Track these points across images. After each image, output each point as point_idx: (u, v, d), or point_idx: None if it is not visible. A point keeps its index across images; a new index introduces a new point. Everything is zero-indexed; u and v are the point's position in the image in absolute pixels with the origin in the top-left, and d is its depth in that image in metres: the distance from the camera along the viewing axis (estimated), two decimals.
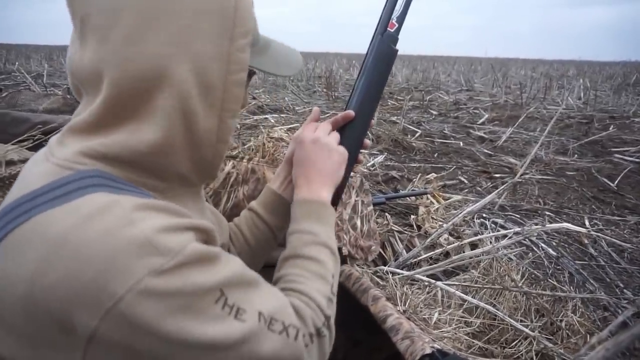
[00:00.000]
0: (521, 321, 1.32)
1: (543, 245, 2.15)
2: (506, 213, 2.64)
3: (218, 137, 0.54)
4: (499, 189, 2.17)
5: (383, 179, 3.05)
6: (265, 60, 0.61)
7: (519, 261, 1.87)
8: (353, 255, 1.35)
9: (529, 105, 7.05)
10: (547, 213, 2.72)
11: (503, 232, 1.92)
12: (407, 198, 2.27)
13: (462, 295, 1.36)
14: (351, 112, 0.78)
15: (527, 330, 1.25)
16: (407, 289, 1.35)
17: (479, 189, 3.20)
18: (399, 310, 1.03)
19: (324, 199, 0.71)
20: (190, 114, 0.50)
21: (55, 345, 0.44)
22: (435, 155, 4.13)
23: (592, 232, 2.17)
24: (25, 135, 1.30)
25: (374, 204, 1.72)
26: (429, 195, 2.39)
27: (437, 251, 1.72)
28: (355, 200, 1.42)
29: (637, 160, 4.02)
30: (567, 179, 3.48)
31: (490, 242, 1.80)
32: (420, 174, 3.07)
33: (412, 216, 2.09)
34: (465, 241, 1.81)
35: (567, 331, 1.31)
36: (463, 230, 2.07)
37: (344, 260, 1.30)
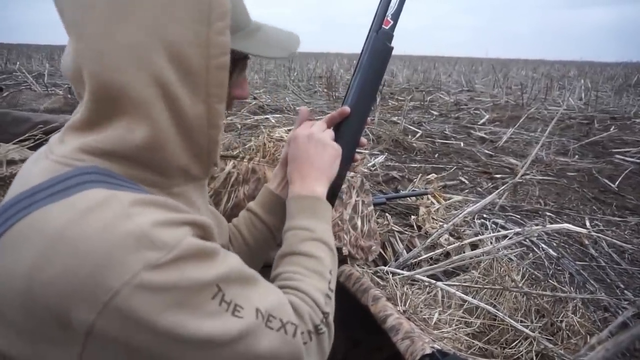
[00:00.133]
0: (521, 322, 1.32)
1: (543, 245, 2.14)
2: (507, 213, 2.64)
3: (209, 122, 0.54)
4: (499, 190, 2.17)
5: (384, 179, 3.05)
6: (253, 43, 0.59)
7: (520, 262, 1.86)
8: (353, 255, 1.35)
9: (530, 105, 7.04)
10: (548, 214, 2.72)
11: (503, 232, 1.92)
12: (408, 198, 2.26)
13: (462, 295, 1.36)
14: (347, 109, 0.78)
15: (527, 330, 1.25)
16: (407, 289, 1.35)
17: (479, 189, 3.20)
18: (399, 311, 1.03)
19: (319, 194, 0.71)
20: (175, 101, 0.50)
21: (54, 340, 0.44)
22: (436, 156, 4.13)
23: (593, 233, 2.17)
24: (27, 135, 1.30)
25: (375, 204, 1.71)
26: (429, 196, 2.39)
27: (437, 251, 1.72)
28: (356, 200, 1.42)
29: (638, 161, 4.02)
30: (568, 179, 3.48)
31: (491, 243, 1.80)
32: (420, 175, 3.07)
33: (413, 216, 2.09)
34: (466, 241, 1.81)
35: (567, 332, 1.31)
36: (463, 231, 2.07)
37: (344, 260, 1.30)
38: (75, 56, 0.48)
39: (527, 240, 2.12)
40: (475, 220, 2.36)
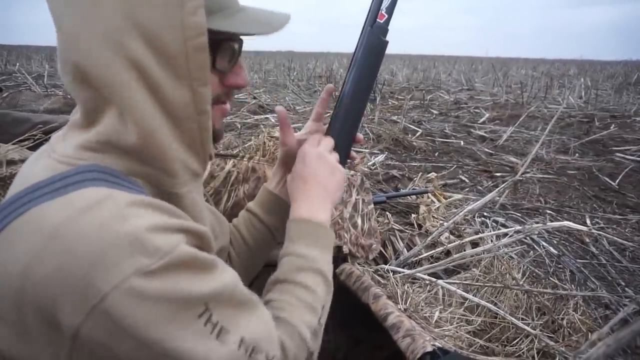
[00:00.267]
0: (522, 319, 1.32)
1: (544, 243, 2.14)
2: (507, 212, 2.64)
3: (196, 108, 0.53)
4: (499, 188, 2.17)
5: (384, 177, 3.04)
6: (233, 21, 0.57)
7: (520, 259, 1.86)
8: (354, 254, 1.35)
9: (530, 104, 7.04)
10: (548, 212, 2.72)
11: (504, 230, 1.92)
12: (408, 197, 2.26)
13: (463, 293, 1.35)
14: (331, 86, 0.79)
15: (528, 328, 1.25)
16: (408, 287, 1.34)
17: (479, 188, 3.20)
18: (399, 309, 1.03)
19: (323, 220, 0.69)
20: (155, 85, 0.49)
21: (44, 340, 0.44)
22: (436, 155, 4.13)
23: (594, 231, 2.16)
24: (26, 135, 1.31)
25: (375, 203, 1.71)
26: (429, 194, 2.38)
27: (438, 250, 1.72)
28: (356, 199, 1.42)
29: (638, 159, 4.01)
30: (568, 177, 3.48)
31: (492, 241, 1.80)
32: (421, 173, 3.06)
33: (413, 215, 2.09)
34: (466, 240, 1.80)
35: (568, 329, 1.31)
36: (464, 229, 2.07)
37: (344, 258, 1.30)
38: (60, 49, 0.49)
39: (528, 238, 2.12)
40: (476, 218, 2.36)
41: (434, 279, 1.41)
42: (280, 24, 0.60)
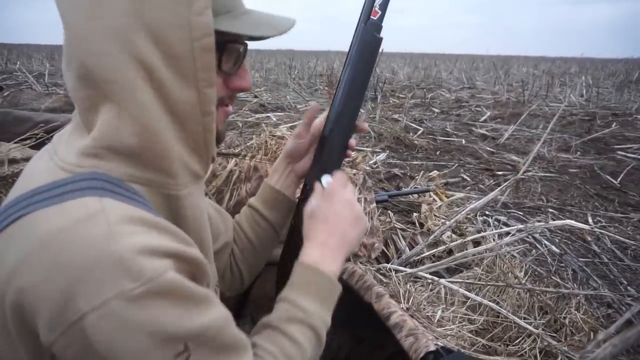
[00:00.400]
0: (525, 318, 1.32)
1: (546, 242, 2.14)
2: (509, 210, 2.63)
3: (201, 109, 0.52)
4: (502, 186, 2.16)
5: (385, 176, 3.04)
6: (239, 23, 0.56)
7: (522, 258, 1.86)
8: (356, 253, 1.35)
9: (531, 102, 7.02)
10: (550, 210, 2.71)
11: (506, 229, 1.92)
12: (410, 196, 2.26)
13: (465, 292, 1.35)
14: (317, 105, 0.78)
15: (530, 327, 1.25)
16: (410, 286, 1.34)
17: (481, 186, 3.19)
18: (402, 308, 1.03)
19: (332, 272, 0.65)
20: (162, 86, 0.49)
21: (27, 347, 0.44)
22: (438, 153, 4.12)
23: (596, 229, 2.16)
24: (28, 134, 1.30)
25: (377, 202, 1.71)
26: (431, 193, 2.38)
27: (439, 248, 1.72)
28: (359, 198, 1.42)
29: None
30: (570, 176, 3.47)
31: (494, 240, 1.80)
32: (422, 172, 3.06)
33: (415, 214, 2.08)
34: (468, 238, 1.80)
35: (570, 328, 1.31)
36: (466, 228, 2.06)
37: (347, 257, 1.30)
38: (65, 45, 0.49)
39: (530, 236, 2.12)
40: (478, 217, 2.36)
41: (436, 278, 1.41)
42: (285, 28, 0.60)
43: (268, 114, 5.11)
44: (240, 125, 4.26)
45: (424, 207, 2.14)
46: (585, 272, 1.92)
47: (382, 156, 3.62)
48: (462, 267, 1.67)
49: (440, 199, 2.38)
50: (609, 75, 13.79)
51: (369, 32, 0.75)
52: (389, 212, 2.03)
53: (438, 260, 1.61)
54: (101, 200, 0.45)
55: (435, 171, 3.11)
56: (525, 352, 1.21)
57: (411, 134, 4.57)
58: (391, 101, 6.96)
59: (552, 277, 1.74)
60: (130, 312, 0.41)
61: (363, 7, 0.75)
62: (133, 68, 0.47)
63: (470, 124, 5.55)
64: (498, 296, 1.41)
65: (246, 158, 1.29)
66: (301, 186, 0.85)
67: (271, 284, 0.88)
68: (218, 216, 0.82)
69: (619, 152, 4.21)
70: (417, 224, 1.99)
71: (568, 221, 1.88)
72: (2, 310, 0.43)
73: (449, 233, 1.87)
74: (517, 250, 1.89)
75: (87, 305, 0.40)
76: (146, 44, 0.47)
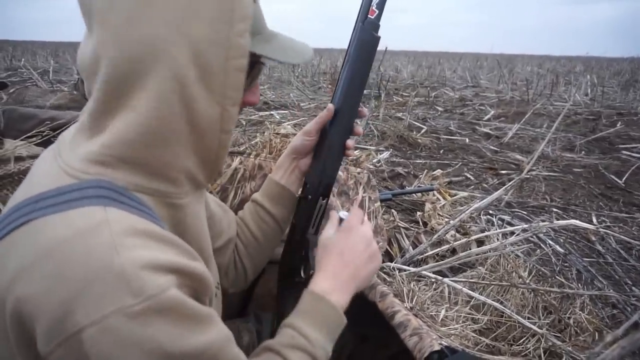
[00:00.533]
0: (529, 318, 1.31)
1: (550, 242, 2.13)
2: (513, 210, 2.62)
3: (221, 126, 0.53)
4: (506, 186, 2.16)
5: (389, 175, 3.04)
6: (271, 47, 0.58)
7: (527, 258, 1.86)
8: None
9: (536, 101, 6.99)
10: (554, 210, 2.70)
11: (510, 228, 1.91)
12: (414, 194, 2.26)
13: (469, 292, 1.35)
14: (332, 106, 0.77)
15: (534, 327, 1.24)
16: (414, 285, 1.34)
17: (485, 185, 3.18)
18: (406, 307, 1.03)
19: (340, 305, 0.65)
20: (189, 99, 0.49)
21: (25, 355, 0.44)
22: (441, 152, 4.11)
23: (600, 229, 2.15)
24: (34, 132, 1.31)
25: (381, 200, 1.71)
26: (435, 192, 2.38)
27: (443, 248, 1.72)
28: (363, 197, 1.42)
29: None
30: (574, 175, 3.46)
31: (498, 239, 1.79)
32: (426, 171, 3.05)
33: (419, 212, 2.08)
34: (472, 238, 1.80)
35: (575, 328, 1.30)
36: (469, 227, 2.06)
37: None
38: (97, 46, 0.47)
39: (534, 236, 2.11)
40: (481, 216, 2.35)
41: (439, 277, 1.41)
42: (308, 56, 0.63)
43: (271, 112, 5.12)
44: (244, 124, 4.26)
45: (428, 206, 2.14)
46: (590, 272, 1.92)
47: (386, 155, 3.62)
48: (466, 266, 1.67)
49: (444, 198, 2.38)
50: (614, 74, 13.71)
51: (366, 31, 0.75)
52: (393, 210, 2.03)
53: (442, 260, 1.61)
54: (106, 210, 0.44)
55: (438, 170, 3.10)
56: (530, 351, 1.21)
57: (415, 132, 4.56)
58: (395, 100, 6.95)
59: (557, 277, 1.73)
60: (129, 329, 0.40)
61: (361, 6, 0.76)
62: (166, 79, 0.47)
63: (474, 123, 5.54)
64: (502, 296, 1.41)
65: (251, 156, 1.29)
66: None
67: (274, 282, 0.88)
68: (221, 212, 0.82)
69: (624, 152, 4.19)
70: (420, 223, 1.99)
71: (572, 221, 1.88)
72: (2, 317, 0.43)
73: (452, 232, 1.87)
74: (521, 250, 1.89)
75: (86, 318, 0.39)
76: (185, 58, 0.47)
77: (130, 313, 0.40)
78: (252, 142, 1.58)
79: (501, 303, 1.35)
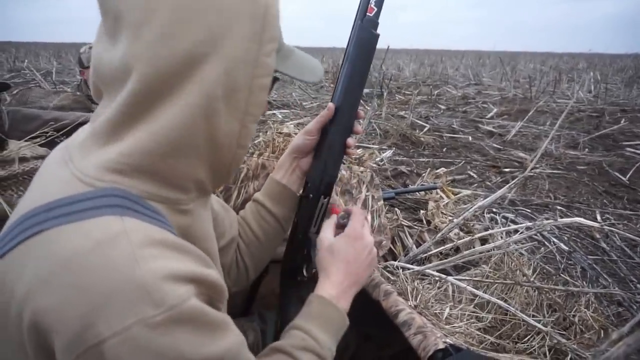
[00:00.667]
0: (533, 316, 1.31)
1: (555, 240, 2.13)
2: (516, 208, 2.62)
3: (238, 141, 0.53)
4: (510, 184, 2.15)
5: (392, 174, 3.04)
6: (290, 65, 0.61)
7: (531, 256, 1.85)
8: None
9: (539, 99, 6.97)
10: (558, 208, 2.69)
11: (515, 226, 1.91)
12: (417, 193, 2.25)
13: (473, 290, 1.35)
14: (332, 105, 0.78)
15: (539, 325, 1.24)
16: (417, 284, 1.34)
17: (488, 183, 3.18)
18: (410, 306, 1.03)
19: (344, 309, 0.70)
20: (213, 115, 0.49)
21: None
22: (444, 150, 4.10)
23: (605, 227, 2.14)
24: (38, 132, 1.31)
25: (384, 199, 1.71)
26: (438, 190, 2.37)
27: (447, 246, 1.71)
28: (366, 195, 1.42)
29: None
30: (578, 173, 3.44)
31: (501, 237, 1.79)
32: (429, 169, 3.05)
33: (422, 211, 2.08)
34: (476, 236, 1.79)
35: (580, 326, 1.30)
36: (473, 225, 2.05)
37: None
38: (128, 58, 0.47)
39: (538, 234, 2.10)
40: (485, 214, 2.35)
41: (443, 276, 1.41)
42: (321, 74, 0.67)
43: (274, 111, 5.12)
44: None
45: (431, 204, 2.13)
46: (595, 270, 1.91)
47: (389, 153, 3.61)
48: (470, 264, 1.67)
49: (447, 197, 2.37)
50: (618, 71, 13.65)
51: (365, 29, 0.75)
52: (396, 209, 2.03)
53: (445, 258, 1.61)
54: (123, 220, 0.45)
55: (442, 168, 3.10)
56: (535, 349, 1.20)
57: (417, 131, 4.55)
58: (397, 98, 6.95)
59: (561, 275, 1.73)
60: (150, 338, 0.41)
61: (359, 4, 0.76)
62: (195, 95, 0.48)
63: (476, 121, 5.52)
64: (506, 294, 1.41)
65: (254, 156, 1.29)
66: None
67: (278, 282, 0.88)
68: (224, 212, 0.82)
69: (628, 149, 4.18)
70: (424, 222, 1.99)
71: (577, 219, 1.87)
72: (19, 328, 0.43)
73: (456, 230, 1.86)
74: (525, 248, 1.88)
75: (108, 330, 0.40)
76: (215, 75, 0.48)
77: (152, 323, 0.41)
78: (255, 142, 1.58)
79: (505, 301, 1.34)
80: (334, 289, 0.69)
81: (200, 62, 0.47)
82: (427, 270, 1.44)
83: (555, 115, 5.76)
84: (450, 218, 2.01)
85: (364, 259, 0.73)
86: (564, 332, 1.29)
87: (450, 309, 1.27)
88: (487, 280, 1.44)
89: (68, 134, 1.38)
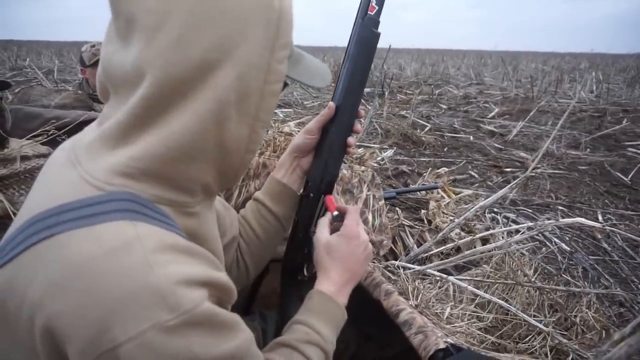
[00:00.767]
0: (534, 316, 1.31)
1: (556, 240, 2.12)
2: (518, 208, 2.61)
3: (247, 146, 0.54)
4: (511, 184, 2.14)
5: (393, 173, 3.03)
6: (301, 71, 0.61)
7: (532, 256, 1.85)
8: None
9: (540, 98, 6.96)
10: (560, 208, 2.69)
11: (516, 226, 1.90)
12: (418, 192, 2.25)
13: (474, 290, 1.35)
14: (333, 104, 0.78)
15: (540, 325, 1.24)
16: (418, 283, 1.34)
17: (489, 183, 3.17)
18: (411, 305, 1.03)
19: (343, 303, 0.72)
20: (225, 121, 0.49)
21: None
22: (445, 150, 4.10)
23: (606, 227, 2.14)
24: (39, 131, 1.31)
25: (385, 199, 1.71)
26: (439, 190, 2.37)
27: (448, 246, 1.71)
28: (367, 195, 1.42)
29: None
30: (580, 173, 3.44)
31: (503, 237, 1.79)
32: (430, 169, 3.05)
33: (423, 211, 2.07)
34: (477, 236, 1.79)
35: (582, 327, 1.29)
36: (474, 225, 2.05)
37: None
38: (141, 62, 0.46)
39: (540, 234, 2.10)
40: (486, 214, 2.34)
41: (444, 276, 1.41)
42: (329, 79, 0.67)
43: (275, 111, 5.11)
44: None
45: (432, 204, 2.13)
46: (596, 270, 1.91)
47: (390, 153, 3.61)
48: (471, 264, 1.67)
49: (449, 196, 2.37)
50: (620, 71, 13.62)
51: (366, 28, 0.75)
52: (397, 209, 2.03)
53: (446, 258, 1.61)
54: (135, 225, 0.45)
55: (443, 168, 3.09)
56: (536, 349, 1.20)
57: (419, 130, 4.55)
58: (398, 97, 6.94)
59: (563, 275, 1.73)
60: (165, 342, 0.42)
61: (360, 3, 0.75)
62: (208, 100, 0.48)
63: (478, 121, 5.52)
64: (507, 294, 1.40)
65: (255, 155, 1.29)
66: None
67: (278, 281, 0.88)
68: (224, 211, 0.82)
69: (630, 149, 4.17)
70: (425, 221, 1.98)
71: (578, 219, 1.86)
72: (31, 332, 0.43)
73: (457, 230, 1.86)
74: (526, 248, 1.88)
75: (123, 335, 0.40)
76: (229, 81, 0.48)
77: (167, 327, 0.41)
78: None
79: (506, 301, 1.34)
80: (332, 285, 0.72)
81: (214, 68, 0.47)
82: (428, 270, 1.44)
83: (556, 115, 5.75)
84: (452, 218, 2.01)
85: (360, 255, 0.75)
86: (565, 333, 1.29)
87: (451, 309, 1.26)
88: (488, 280, 1.44)
89: (69, 132, 1.38)
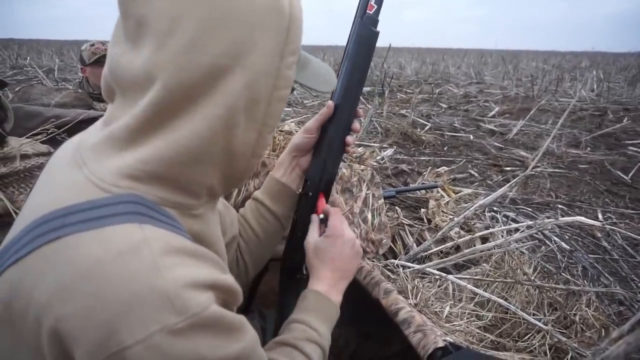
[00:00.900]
0: (534, 315, 1.31)
1: (556, 238, 2.12)
2: (517, 206, 2.62)
3: (254, 151, 0.54)
4: (511, 182, 2.14)
5: (393, 172, 3.03)
6: (308, 75, 0.62)
7: (531, 255, 1.85)
8: (364, 249, 1.35)
9: (541, 97, 6.96)
10: (560, 206, 2.69)
11: (515, 225, 1.90)
12: (418, 191, 2.25)
13: (473, 288, 1.35)
14: (332, 103, 0.78)
15: (540, 324, 1.24)
16: (418, 282, 1.34)
17: (489, 182, 3.17)
18: (410, 304, 1.03)
19: (337, 301, 0.74)
20: (233, 126, 0.50)
21: None
22: (445, 149, 4.10)
23: (606, 226, 2.14)
24: (39, 129, 1.31)
25: (384, 197, 1.71)
26: (439, 189, 2.37)
27: (447, 245, 1.71)
28: (367, 194, 1.42)
29: None
30: (580, 172, 3.44)
31: (502, 236, 1.79)
32: (430, 168, 3.05)
33: (423, 210, 2.08)
34: (477, 235, 1.79)
35: (581, 325, 1.30)
36: (474, 224, 2.05)
37: None
38: (151, 66, 0.46)
39: (539, 233, 2.10)
40: (486, 213, 2.35)
41: (444, 274, 1.41)
42: (335, 83, 0.69)
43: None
44: None
45: (432, 203, 2.13)
46: (596, 269, 1.91)
47: (390, 152, 3.61)
48: (470, 263, 1.67)
49: (448, 195, 2.37)
50: (621, 70, 13.61)
51: (365, 26, 0.75)
52: (397, 208, 2.03)
53: (446, 257, 1.61)
54: (143, 228, 0.45)
55: (443, 167, 3.09)
56: (535, 348, 1.20)
57: (419, 129, 4.55)
58: (398, 96, 6.94)
59: (562, 273, 1.73)
60: (172, 345, 0.42)
61: (359, 1, 0.76)
62: (218, 106, 0.48)
63: (478, 120, 5.52)
64: (507, 292, 1.41)
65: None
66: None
67: (278, 280, 0.89)
68: (224, 210, 0.82)
69: (630, 148, 4.17)
70: (424, 220, 1.98)
71: (578, 217, 1.86)
72: (37, 334, 0.43)
73: (456, 229, 1.86)
74: (526, 247, 1.88)
75: (131, 338, 0.40)
76: (239, 87, 0.48)
77: (174, 330, 0.42)
78: None
79: (506, 300, 1.34)
80: (324, 285, 0.73)
81: (224, 73, 0.47)
82: (428, 269, 1.44)
83: (557, 114, 5.75)
84: (451, 217, 2.01)
85: (347, 253, 0.76)
86: (564, 331, 1.29)
87: (451, 308, 1.27)
88: (487, 278, 1.44)
89: (69, 131, 1.38)
